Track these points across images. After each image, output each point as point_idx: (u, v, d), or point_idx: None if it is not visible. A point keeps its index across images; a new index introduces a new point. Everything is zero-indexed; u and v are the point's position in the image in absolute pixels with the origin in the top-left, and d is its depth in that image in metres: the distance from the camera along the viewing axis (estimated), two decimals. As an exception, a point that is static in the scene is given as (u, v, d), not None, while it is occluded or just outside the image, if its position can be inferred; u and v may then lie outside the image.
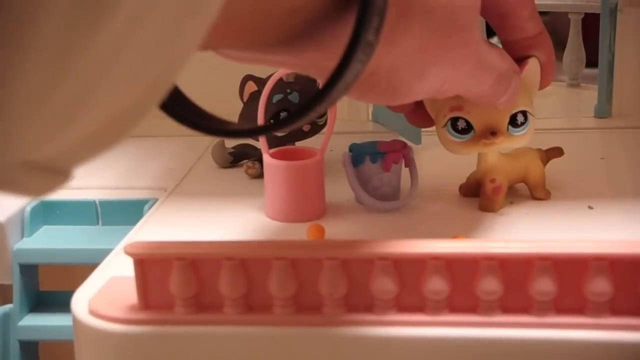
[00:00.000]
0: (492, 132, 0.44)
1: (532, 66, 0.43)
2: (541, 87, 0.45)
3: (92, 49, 0.18)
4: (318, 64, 0.31)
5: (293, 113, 0.31)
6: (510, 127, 0.44)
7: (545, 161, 0.51)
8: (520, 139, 0.45)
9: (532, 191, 0.50)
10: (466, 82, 0.38)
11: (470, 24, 0.35)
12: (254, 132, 0.32)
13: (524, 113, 0.44)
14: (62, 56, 0.18)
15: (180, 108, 0.32)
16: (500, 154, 0.48)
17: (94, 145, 0.22)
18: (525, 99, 0.44)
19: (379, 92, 0.35)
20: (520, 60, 0.42)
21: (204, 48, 0.28)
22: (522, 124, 0.44)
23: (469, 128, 0.44)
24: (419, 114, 0.46)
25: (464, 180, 0.51)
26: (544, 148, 0.52)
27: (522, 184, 0.50)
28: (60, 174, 0.22)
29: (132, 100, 0.21)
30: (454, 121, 0.44)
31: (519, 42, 0.42)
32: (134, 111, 0.22)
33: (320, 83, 0.29)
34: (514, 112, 0.44)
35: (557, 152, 0.52)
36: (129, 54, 0.20)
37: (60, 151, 0.21)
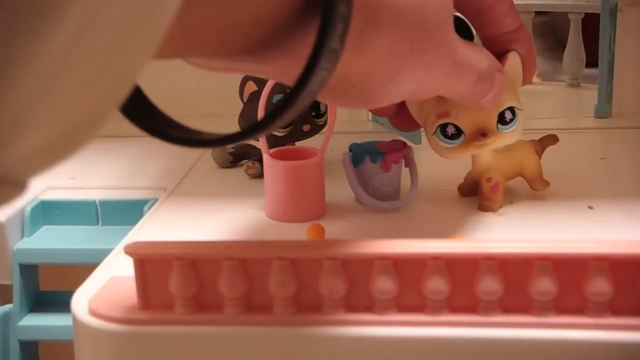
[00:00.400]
0: (482, 134, 0.44)
1: (513, 60, 0.43)
2: (524, 82, 0.45)
3: (36, 62, 0.18)
4: (287, 71, 0.31)
5: (260, 121, 0.30)
6: (499, 125, 0.44)
7: (540, 151, 0.51)
8: (511, 135, 0.45)
9: (530, 184, 0.50)
10: (443, 83, 0.38)
11: (442, 25, 0.34)
12: (221, 142, 0.32)
13: (512, 109, 0.44)
14: (3, 70, 0.18)
15: (147, 116, 0.32)
16: (494, 152, 0.48)
17: (50, 156, 0.22)
18: (510, 95, 0.44)
19: (352, 97, 0.34)
20: (501, 55, 0.43)
21: (167, 57, 0.28)
22: (511, 120, 0.44)
23: (458, 132, 0.44)
24: (402, 118, 0.45)
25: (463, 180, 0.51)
26: (545, 152, 0.51)
27: (522, 181, 0.50)
28: (14, 185, 0.22)
29: (85, 111, 0.21)
30: (443, 127, 0.44)
31: (498, 38, 0.42)
32: (90, 122, 0.22)
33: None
34: (501, 110, 0.44)
35: (551, 139, 0.51)
36: (77, 66, 0.19)
37: (13, 163, 0.21)
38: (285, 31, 0.30)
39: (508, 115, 0.44)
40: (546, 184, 0.50)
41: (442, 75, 0.37)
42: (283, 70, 0.32)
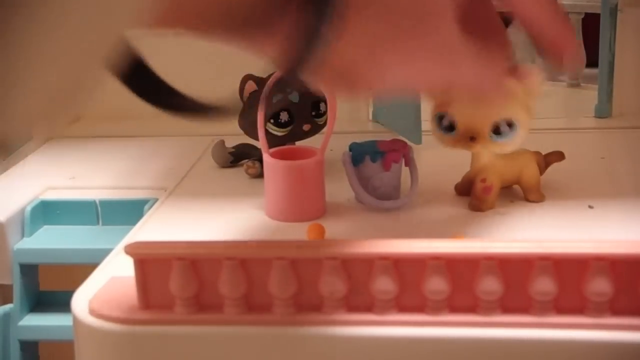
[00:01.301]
0: (471, 138, 0.44)
1: (533, 76, 0.42)
2: (564, 60, 0.38)
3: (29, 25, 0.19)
4: (263, 49, 0.31)
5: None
6: (493, 134, 0.44)
7: (544, 166, 0.50)
8: (503, 146, 0.44)
9: (525, 194, 0.50)
10: (435, 74, 0.36)
11: (439, 14, 0.33)
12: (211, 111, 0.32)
13: (510, 123, 0.43)
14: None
15: (144, 82, 0.31)
16: (495, 154, 0.47)
17: (42, 116, 0.22)
18: (514, 108, 0.43)
19: (337, 83, 0.34)
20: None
21: (152, 26, 0.28)
22: (506, 133, 0.44)
23: (452, 126, 0.44)
24: None
25: (463, 180, 0.51)
26: (545, 151, 0.51)
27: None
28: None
29: (72, 72, 0.22)
30: (440, 117, 0.45)
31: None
32: (80, 76, 0.22)
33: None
34: (497, 119, 0.43)
35: (557, 156, 0.51)
36: (65, 31, 0.20)
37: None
38: (270, 12, 0.30)
39: (504, 127, 0.44)
40: (541, 196, 0.50)
41: (432, 66, 0.35)
42: (259, 48, 0.32)
